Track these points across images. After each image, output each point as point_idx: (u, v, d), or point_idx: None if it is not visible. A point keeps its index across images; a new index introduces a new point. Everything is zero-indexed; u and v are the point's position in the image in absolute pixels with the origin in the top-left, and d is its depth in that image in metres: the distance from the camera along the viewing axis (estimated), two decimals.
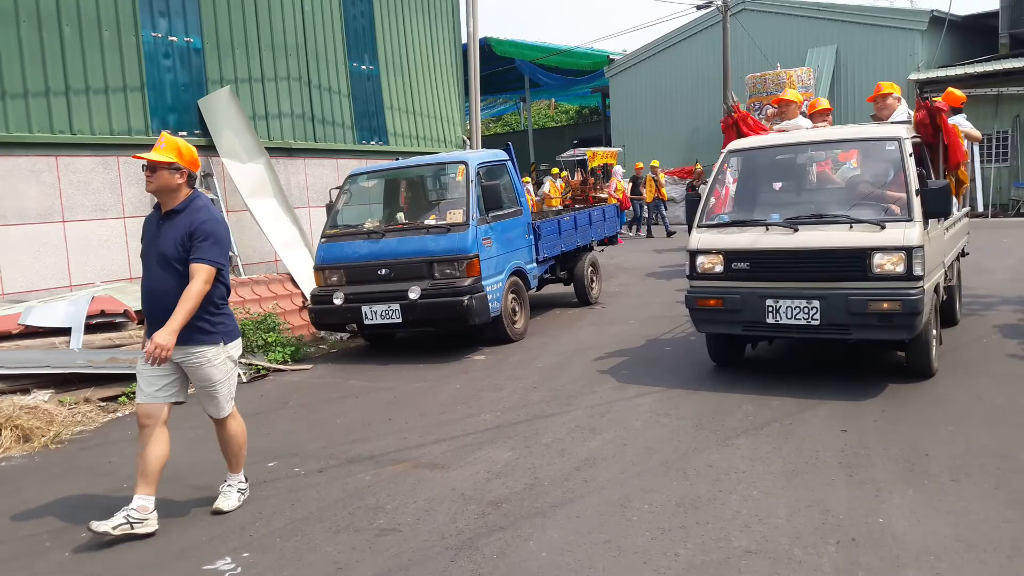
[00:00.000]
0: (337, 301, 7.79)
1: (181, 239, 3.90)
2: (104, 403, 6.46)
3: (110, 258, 8.85)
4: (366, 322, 7.68)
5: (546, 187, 21.29)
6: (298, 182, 11.20)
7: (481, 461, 4.61)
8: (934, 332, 5.81)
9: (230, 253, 9.48)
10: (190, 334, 3.89)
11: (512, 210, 8.48)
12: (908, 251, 5.20)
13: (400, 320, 7.52)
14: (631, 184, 20.67)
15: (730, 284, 5.80)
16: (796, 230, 5.59)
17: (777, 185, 6.63)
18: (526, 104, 37.78)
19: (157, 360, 3.77)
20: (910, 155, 5.56)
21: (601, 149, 23.51)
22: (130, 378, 6.80)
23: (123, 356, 6.82)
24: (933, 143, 6.40)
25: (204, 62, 9.88)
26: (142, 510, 3.86)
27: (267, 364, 7.61)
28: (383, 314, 7.57)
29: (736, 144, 6.70)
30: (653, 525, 3.63)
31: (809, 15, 23.72)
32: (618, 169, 20.25)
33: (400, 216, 8.49)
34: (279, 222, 9.90)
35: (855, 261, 5.34)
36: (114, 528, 3.75)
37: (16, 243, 8.03)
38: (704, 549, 3.38)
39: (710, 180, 6.49)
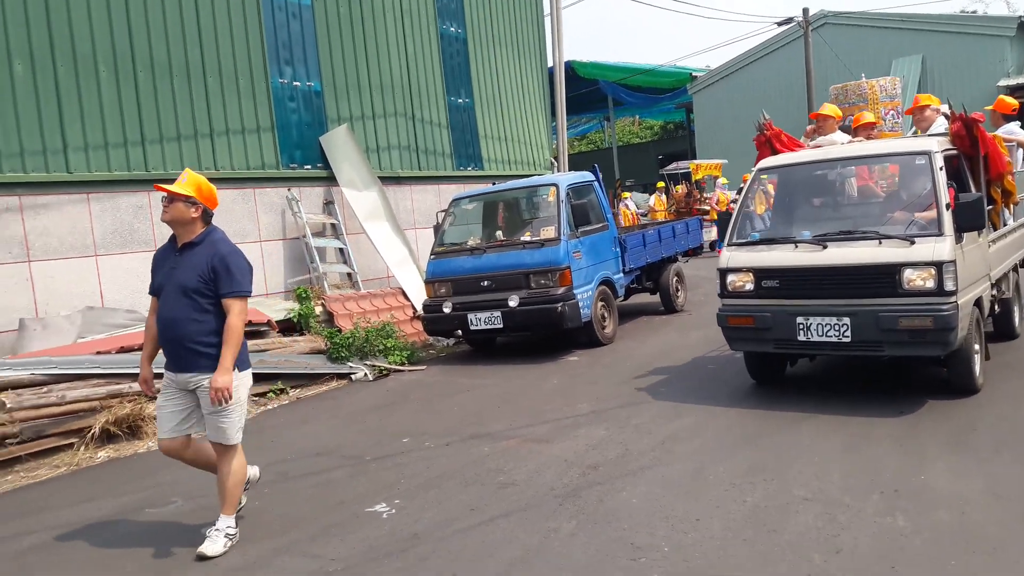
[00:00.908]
0: (446, 310, 8.80)
1: (202, 271, 4.00)
2: (256, 398, 7.60)
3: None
4: (471, 328, 8.66)
5: (651, 200, 22.04)
6: (405, 206, 12.34)
7: (580, 437, 5.46)
8: (976, 347, 5.72)
9: (350, 270, 10.71)
10: (210, 362, 3.96)
11: (599, 226, 9.32)
12: (939, 266, 5.16)
13: (501, 326, 8.45)
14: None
15: (761, 302, 5.83)
16: (825, 247, 5.59)
17: (817, 201, 6.57)
18: (610, 123, 38.66)
19: (223, 400, 3.90)
20: (940, 168, 5.52)
21: (705, 161, 24.09)
22: (275, 377, 7.96)
23: (270, 359, 7.99)
24: (972, 155, 6.26)
25: (324, 103, 11.16)
26: (232, 527, 4.14)
27: (388, 365, 8.65)
28: (486, 320, 8.53)
29: (767, 162, 6.69)
30: (726, 482, 4.39)
31: (893, 26, 23.78)
32: (720, 181, 20.72)
33: (499, 234, 9.46)
34: (391, 243, 11.03)
35: (885, 277, 5.32)
36: (223, 551, 4.02)
37: None
38: (768, 497, 4.13)
39: (741, 198, 6.60)
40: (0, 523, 4.83)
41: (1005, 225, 7.01)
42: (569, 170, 13.85)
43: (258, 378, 7.73)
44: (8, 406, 6.12)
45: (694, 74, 30.61)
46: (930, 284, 5.18)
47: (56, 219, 8.51)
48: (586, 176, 9.79)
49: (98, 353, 7.20)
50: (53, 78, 8.47)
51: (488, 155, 14.17)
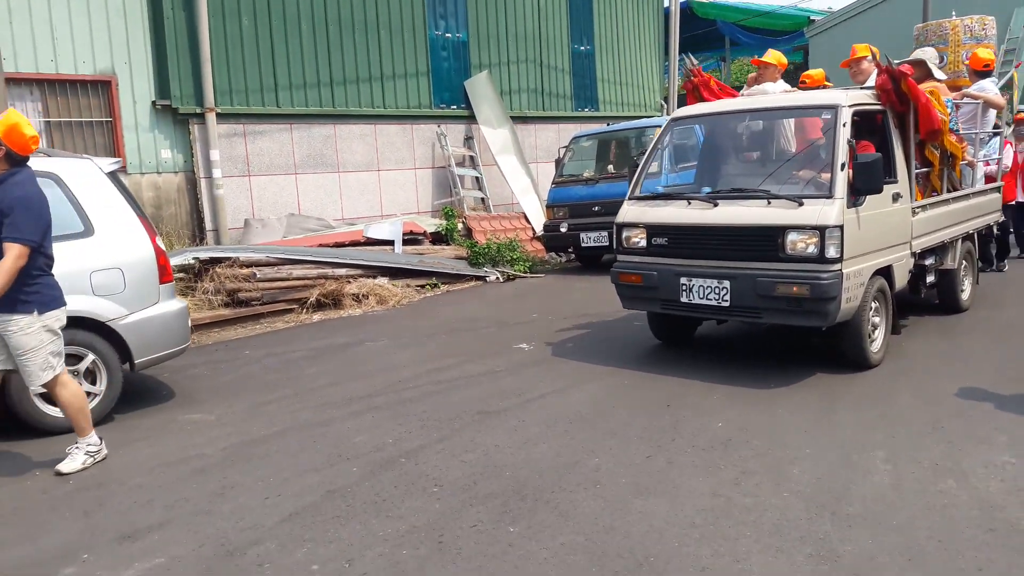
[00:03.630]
0: (563, 229, 10.93)
1: None
2: (419, 288, 9.98)
3: (405, 196, 12.53)
4: (583, 245, 10.77)
5: None
6: (530, 143, 14.39)
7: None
8: (877, 320, 5.54)
9: (484, 196, 12.87)
10: (3, 302, 4.04)
11: None
12: (822, 230, 4.88)
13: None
14: None
15: (650, 260, 5.66)
16: (716, 205, 5.37)
17: (728, 154, 6.28)
18: (726, 63, 39.05)
19: None
20: (844, 125, 5.16)
21: None
22: (431, 274, 10.30)
23: (428, 260, 10.35)
24: (903, 111, 5.83)
25: (469, 52, 13.25)
26: (93, 444, 4.41)
27: (514, 272, 10.87)
28: (595, 239, 10.60)
29: (679, 112, 6.42)
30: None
31: None
32: None
33: (610, 167, 11.42)
34: (517, 174, 13.15)
35: (768, 240, 5.06)
36: (80, 467, 4.30)
37: (350, 184, 11.85)
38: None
39: (648, 150, 6.28)
40: (269, 348, 7.34)
41: (954, 190, 6.81)
42: None
43: (418, 273, 10.13)
44: (257, 276, 8.69)
45: (812, 17, 30.80)
46: (812, 250, 4.92)
47: (268, 144, 11.05)
48: None
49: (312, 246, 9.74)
50: (268, 31, 10.90)
51: (604, 97, 15.95)
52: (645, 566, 3.07)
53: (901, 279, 5.90)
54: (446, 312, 8.66)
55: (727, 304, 5.24)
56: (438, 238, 11.44)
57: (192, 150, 10.42)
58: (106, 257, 5.18)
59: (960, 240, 6.93)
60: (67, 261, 4.99)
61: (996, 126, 8.48)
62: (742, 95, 6.80)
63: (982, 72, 8.01)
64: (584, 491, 3.77)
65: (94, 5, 9.72)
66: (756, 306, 5.17)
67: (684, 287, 5.42)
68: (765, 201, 5.18)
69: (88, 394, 5.10)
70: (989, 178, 7.98)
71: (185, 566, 3.24)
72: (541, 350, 6.59)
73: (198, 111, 10.30)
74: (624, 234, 5.84)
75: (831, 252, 4.91)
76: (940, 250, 6.67)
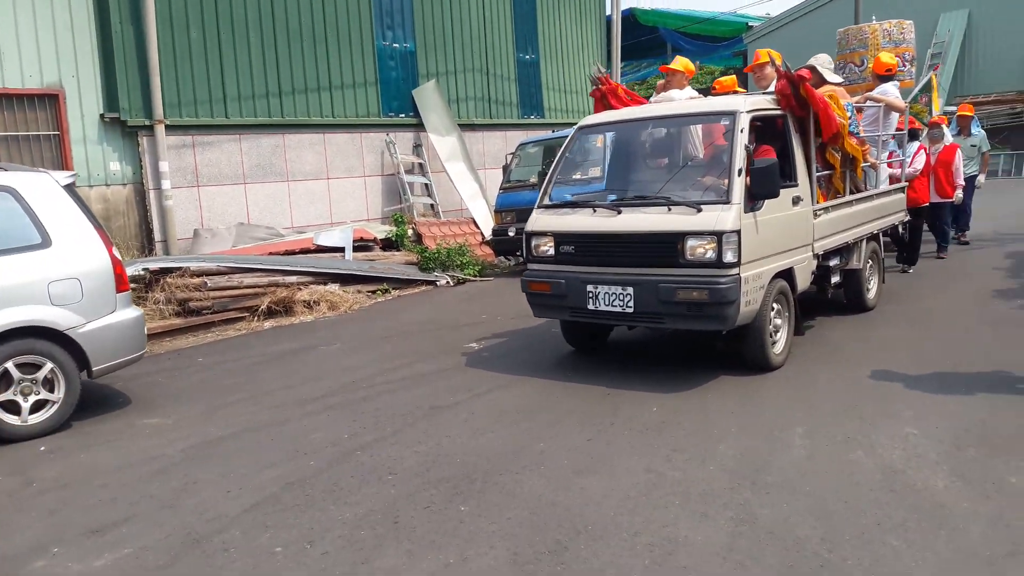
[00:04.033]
0: (511, 233, 11.20)
1: None
2: (370, 293, 10.18)
3: (355, 204, 12.70)
4: None
5: None
6: (477, 149, 14.68)
7: None
8: (779, 322, 5.63)
9: (433, 202, 13.11)
10: None
11: None
12: (719, 236, 4.94)
13: None
14: None
15: (558, 268, 5.69)
16: (619, 212, 5.41)
17: (632, 162, 6.30)
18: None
19: None
20: (742, 131, 5.23)
21: None
22: (381, 280, 10.49)
23: (379, 266, 10.55)
24: (803, 115, 5.93)
25: (416, 61, 13.49)
26: None
27: (464, 276, 11.13)
28: None
29: (585, 120, 6.44)
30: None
31: None
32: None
33: None
34: (466, 180, 13.42)
35: (668, 246, 5.12)
36: None
37: (300, 193, 11.99)
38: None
39: (556, 158, 6.23)
40: (222, 355, 7.48)
41: (858, 192, 6.98)
42: None
43: (368, 279, 10.32)
44: (208, 285, 8.80)
45: (750, 24, 31.77)
46: (710, 255, 4.99)
47: (217, 154, 11.14)
48: None
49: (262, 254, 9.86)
50: (217, 43, 11.00)
51: (549, 104, 16.32)
52: (584, 534, 3.37)
53: (803, 281, 5.98)
54: (398, 316, 8.89)
55: (631, 311, 5.30)
56: (389, 244, 11.64)
57: (141, 162, 10.46)
58: (64, 267, 5.30)
59: (865, 240, 7.10)
60: (25, 272, 5.16)
61: (913, 130, 8.93)
62: (651, 102, 6.92)
63: (884, 76, 8.23)
64: (529, 472, 4.06)
65: (41, 19, 9.73)
66: (659, 312, 5.23)
67: (591, 295, 5.44)
68: (666, 208, 5.26)
69: (46, 402, 5.24)
70: (894, 179, 8.22)
71: (153, 554, 3.43)
72: (490, 349, 6.87)
73: (147, 123, 10.34)
74: (533, 242, 5.86)
75: (728, 257, 4.98)
76: (845, 251, 6.85)
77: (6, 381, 5.10)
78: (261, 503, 3.90)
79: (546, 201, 5.99)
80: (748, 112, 5.41)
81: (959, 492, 3.59)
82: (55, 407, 5.25)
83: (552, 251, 5.74)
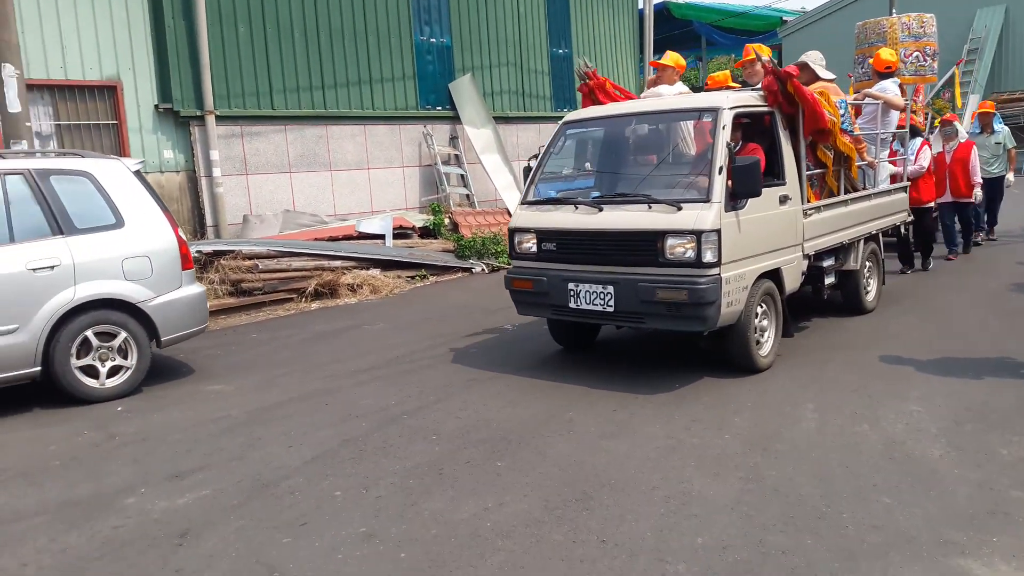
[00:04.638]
0: None
1: None
2: (409, 278, 10.65)
3: (394, 193, 13.18)
4: None
5: None
6: (512, 142, 15.08)
7: None
8: (766, 323, 5.56)
9: (468, 192, 13.54)
10: None
11: None
12: (699, 235, 4.86)
13: None
14: None
15: (540, 265, 5.62)
16: (601, 210, 5.33)
17: (616, 158, 6.19)
18: (703, 62, 39.96)
19: None
20: (724, 128, 5.12)
21: None
22: (420, 266, 10.95)
23: (417, 252, 11.02)
24: (791, 112, 5.79)
25: (452, 56, 13.92)
26: None
27: (498, 263, 11.56)
28: None
29: (570, 116, 6.31)
30: None
31: None
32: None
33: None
34: (500, 171, 13.83)
35: (648, 245, 5.05)
36: None
37: (342, 182, 12.50)
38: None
39: (541, 154, 6.11)
40: (274, 331, 7.98)
41: (854, 191, 6.86)
42: None
43: (407, 265, 10.80)
44: (259, 268, 9.32)
45: (785, 18, 31.72)
46: (689, 254, 4.92)
47: (264, 144, 11.67)
48: None
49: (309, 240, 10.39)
50: (264, 38, 11.51)
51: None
52: (607, 487, 3.78)
53: (792, 282, 5.85)
54: (435, 300, 9.34)
55: (611, 309, 5.23)
56: (426, 232, 12.11)
57: (193, 150, 11.02)
58: (136, 246, 5.82)
59: (862, 241, 6.96)
60: (102, 249, 5.69)
61: (915, 128, 8.72)
62: (640, 97, 6.88)
63: (884, 73, 8.07)
64: (559, 436, 4.48)
65: (100, 15, 10.30)
66: (639, 311, 5.15)
67: (572, 293, 5.37)
68: (646, 206, 5.15)
69: (121, 368, 5.77)
70: (897, 179, 8.05)
71: (228, 495, 3.92)
72: (523, 329, 7.29)
73: (198, 114, 10.89)
74: (515, 239, 5.77)
75: (708, 256, 4.89)
76: (840, 251, 6.72)
77: (86, 348, 5.63)
78: (320, 457, 4.37)
79: (530, 197, 5.91)
80: (731, 109, 5.29)
81: (952, 460, 3.94)
82: (129, 372, 5.78)
83: (535, 248, 5.65)
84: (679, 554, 3.14)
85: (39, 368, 5.50)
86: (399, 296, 9.76)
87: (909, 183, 8.34)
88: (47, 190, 5.62)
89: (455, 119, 13.85)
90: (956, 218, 9.86)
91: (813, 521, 3.38)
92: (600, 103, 6.70)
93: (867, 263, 7.14)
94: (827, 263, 6.50)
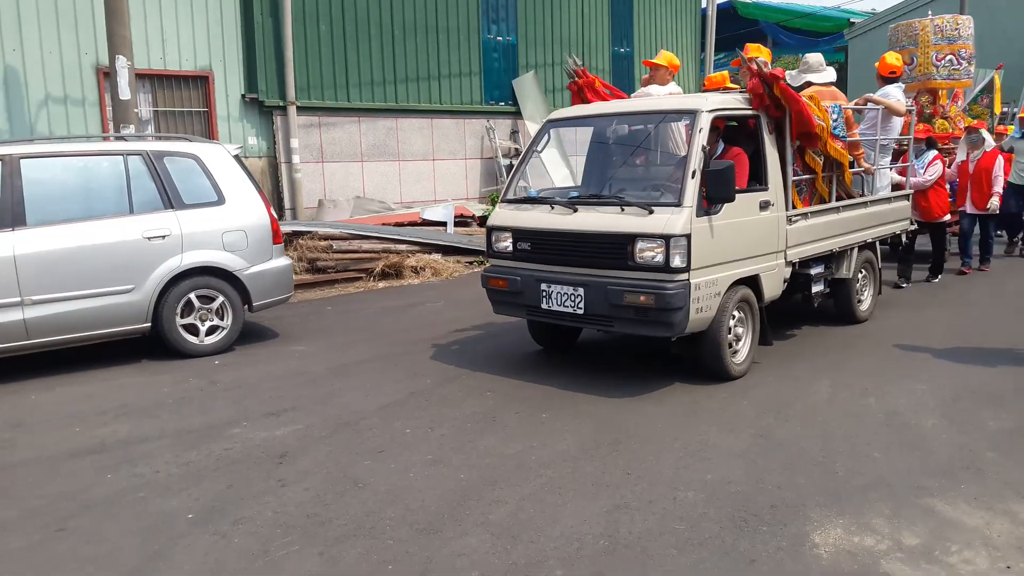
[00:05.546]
0: None
1: None
2: (468, 263, 11.39)
3: (456, 183, 13.96)
4: None
5: None
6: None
7: None
8: (741, 331, 5.46)
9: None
10: None
11: None
12: (667, 239, 4.78)
13: None
14: None
15: (515, 265, 5.59)
16: (575, 210, 5.28)
17: (600, 158, 6.13)
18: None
19: None
20: (700, 131, 5.02)
21: None
22: (478, 252, 11.66)
23: (476, 240, 11.74)
24: (778, 116, 5.65)
25: (517, 54, 14.61)
26: None
27: None
28: None
29: (554, 114, 6.26)
30: None
31: None
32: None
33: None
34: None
35: (619, 248, 4.98)
36: None
37: (409, 171, 13.31)
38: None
39: (524, 152, 6.08)
40: (346, 305, 8.79)
41: (848, 198, 6.68)
42: None
43: (466, 251, 11.52)
44: (333, 248, 10.17)
45: (852, 20, 31.52)
46: (658, 259, 4.84)
47: (339, 134, 12.54)
48: None
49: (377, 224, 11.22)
50: (343, 35, 12.38)
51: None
52: (634, 437, 4.43)
53: (771, 289, 5.71)
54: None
55: (581, 312, 5.18)
56: (485, 221, 12.81)
57: (274, 138, 11.95)
58: (234, 221, 6.65)
59: (855, 249, 6.78)
60: (206, 223, 6.53)
61: (931, 139, 8.55)
62: (631, 97, 6.81)
63: (888, 78, 7.85)
64: (597, 398, 5.13)
65: (196, 12, 11.28)
66: (607, 315, 5.10)
67: (544, 293, 5.33)
68: (619, 208, 5.11)
69: (217, 327, 6.62)
70: (901, 187, 7.82)
71: (317, 429, 4.68)
72: None
73: (281, 104, 11.81)
74: (492, 237, 5.76)
75: (676, 261, 4.81)
76: (831, 259, 6.58)
77: (188, 308, 6.49)
78: (390, 404, 5.11)
79: (509, 195, 5.90)
80: (710, 112, 5.19)
81: (942, 428, 4.47)
82: (224, 332, 6.63)
83: (511, 247, 5.62)
84: (690, 485, 3.77)
85: (149, 324, 6.37)
86: (458, 279, 10.50)
87: (912, 192, 8.01)
88: (161, 169, 6.48)
89: (516, 114, 14.55)
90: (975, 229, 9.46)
91: (809, 467, 3.97)
92: (588, 102, 6.66)
93: (861, 272, 7.00)
94: (815, 271, 6.35)
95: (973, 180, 9.25)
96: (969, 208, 9.34)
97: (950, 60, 9.50)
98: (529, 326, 6.31)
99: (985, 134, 9.37)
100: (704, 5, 18.61)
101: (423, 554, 3.19)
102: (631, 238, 4.93)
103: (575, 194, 5.71)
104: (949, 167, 9.31)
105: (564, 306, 5.25)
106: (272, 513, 3.60)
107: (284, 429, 4.71)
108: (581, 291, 5.14)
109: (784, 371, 5.67)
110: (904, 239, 8.14)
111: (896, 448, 4.20)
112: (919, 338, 6.47)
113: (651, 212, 4.92)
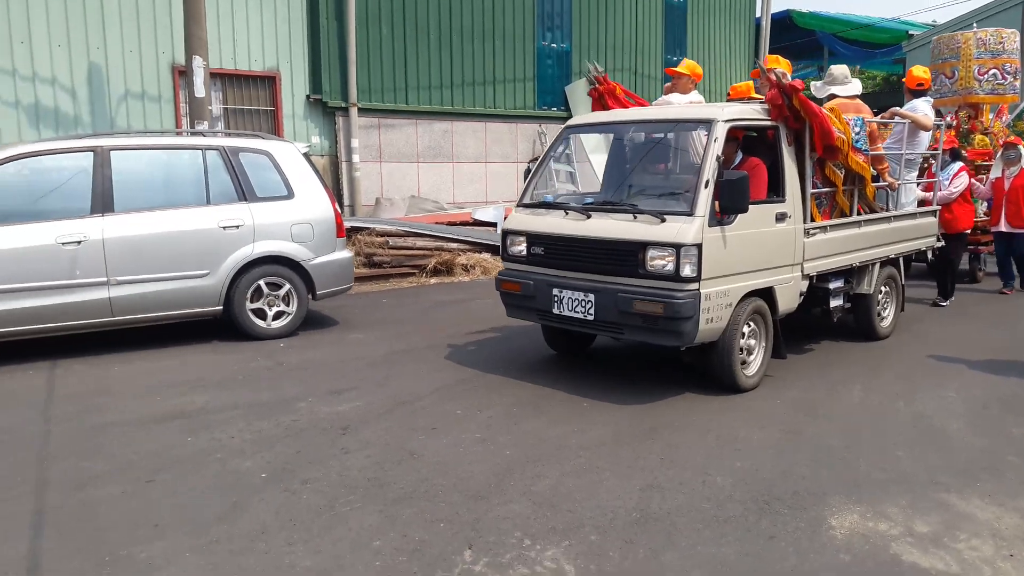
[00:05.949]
0: None
1: None
2: None
3: (507, 186, 14.35)
4: None
5: None
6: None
7: None
8: (753, 343, 5.43)
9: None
10: None
11: None
12: (678, 248, 4.79)
13: None
14: None
15: (529, 269, 5.66)
16: (589, 216, 5.33)
17: (618, 165, 6.19)
18: (823, 72, 39.41)
19: None
20: (715, 141, 5.02)
21: None
22: None
23: None
24: (797, 127, 5.62)
25: (570, 60, 14.95)
26: None
27: None
28: None
29: (572, 121, 6.35)
30: None
31: None
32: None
33: None
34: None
35: (630, 255, 5.01)
36: None
37: (462, 173, 13.75)
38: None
39: (541, 157, 6.26)
40: (401, 298, 9.23)
41: (871, 212, 6.60)
42: None
43: None
44: (389, 244, 10.63)
45: (911, 32, 31.11)
46: (669, 267, 4.86)
47: (396, 135, 13.04)
48: None
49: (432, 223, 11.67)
50: (403, 39, 12.88)
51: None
52: (669, 427, 4.73)
53: (787, 302, 5.66)
54: None
55: (591, 318, 5.20)
56: None
57: (336, 138, 12.49)
58: (302, 214, 7.12)
59: (877, 265, 6.69)
60: (276, 216, 7.00)
61: (955, 150, 8.37)
62: (652, 105, 6.83)
63: (915, 91, 7.74)
64: (634, 392, 5.44)
65: (266, 14, 11.88)
66: (618, 322, 5.11)
67: (556, 298, 5.37)
68: (632, 216, 5.11)
69: (283, 313, 7.09)
70: (926, 204, 7.67)
71: (377, 406, 5.09)
72: None
73: (343, 105, 12.35)
74: (507, 241, 5.81)
75: (687, 271, 4.81)
76: (852, 274, 6.54)
77: (257, 294, 6.97)
78: (442, 388, 5.49)
79: (525, 200, 5.95)
80: (727, 122, 5.17)
81: (967, 432, 4.68)
82: (289, 317, 7.10)
83: (525, 251, 5.68)
84: (720, 471, 4.07)
85: (221, 307, 6.87)
86: None
87: (939, 207, 7.87)
88: (236, 164, 6.98)
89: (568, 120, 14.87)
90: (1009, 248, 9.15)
91: (833, 461, 4.23)
92: (609, 108, 6.70)
93: (883, 288, 6.91)
94: (834, 285, 6.29)
95: (1009, 198, 8.96)
96: (1004, 227, 9.03)
97: (994, 74, 9.37)
98: (543, 331, 6.38)
99: (1023, 150, 9.12)
100: (758, 15, 18.75)
101: (471, 516, 3.56)
102: (642, 246, 4.96)
103: (590, 200, 5.77)
104: (983, 184, 9.25)
105: (575, 311, 5.30)
106: (337, 476, 4.00)
107: (346, 405, 5.12)
108: (592, 297, 5.19)
109: (818, 376, 5.89)
110: (929, 255, 8.01)
111: (919, 448, 4.43)
112: (953, 350, 6.62)
113: (663, 220, 4.94)
